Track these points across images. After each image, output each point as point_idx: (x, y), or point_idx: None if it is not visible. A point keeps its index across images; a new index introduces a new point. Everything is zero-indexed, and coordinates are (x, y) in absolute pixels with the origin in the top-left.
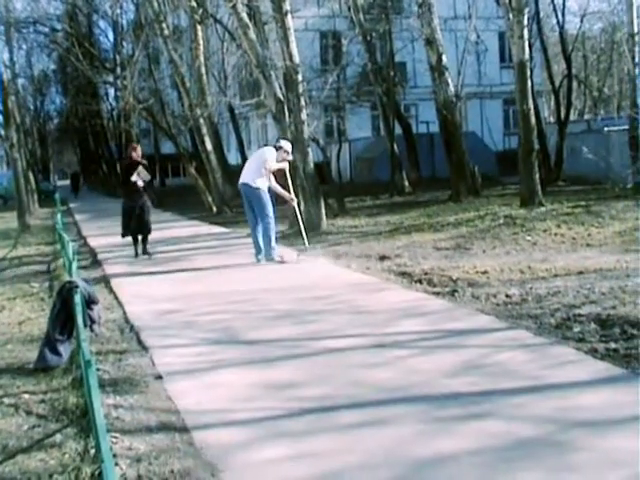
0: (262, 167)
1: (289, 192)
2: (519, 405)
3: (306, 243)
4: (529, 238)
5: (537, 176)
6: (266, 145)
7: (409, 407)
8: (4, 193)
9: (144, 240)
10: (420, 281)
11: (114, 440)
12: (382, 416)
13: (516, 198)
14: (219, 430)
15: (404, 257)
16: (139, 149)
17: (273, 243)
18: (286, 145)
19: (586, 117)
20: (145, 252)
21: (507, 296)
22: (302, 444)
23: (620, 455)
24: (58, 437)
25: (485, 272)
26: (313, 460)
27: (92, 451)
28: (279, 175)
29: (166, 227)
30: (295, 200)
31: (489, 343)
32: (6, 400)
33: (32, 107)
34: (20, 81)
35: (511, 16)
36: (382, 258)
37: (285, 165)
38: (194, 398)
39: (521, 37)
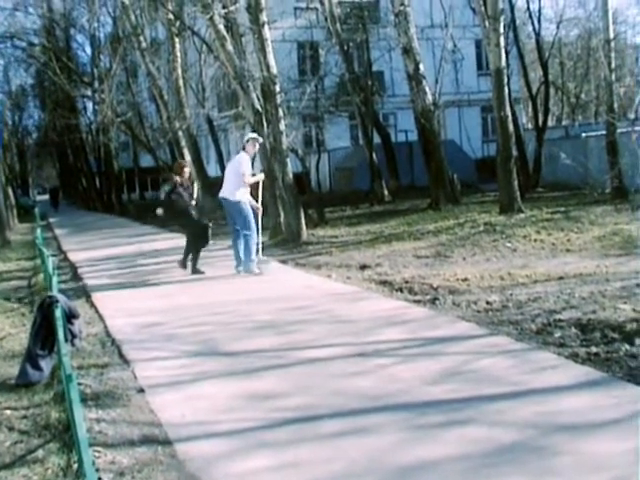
0: (240, 179)
1: (257, 200)
2: (500, 411)
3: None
4: (509, 245)
5: (516, 183)
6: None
7: (391, 415)
8: None
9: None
10: (401, 289)
11: (97, 454)
12: (364, 425)
13: (495, 205)
14: (202, 442)
15: (384, 266)
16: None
17: (253, 256)
18: (252, 135)
19: (564, 123)
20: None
21: (488, 303)
22: (285, 454)
23: (601, 458)
24: (41, 452)
25: (465, 279)
26: (296, 470)
27: (75, 466)
28: (252, 185)
29: (146, 240)
30: (260, 209)
31: (470, 350)
32: None
33: (10, 122)
34: None
35: (487, 24)
36: (363, 267)
37: (261, 177)
38: (176, 411)
39: (497, 45)
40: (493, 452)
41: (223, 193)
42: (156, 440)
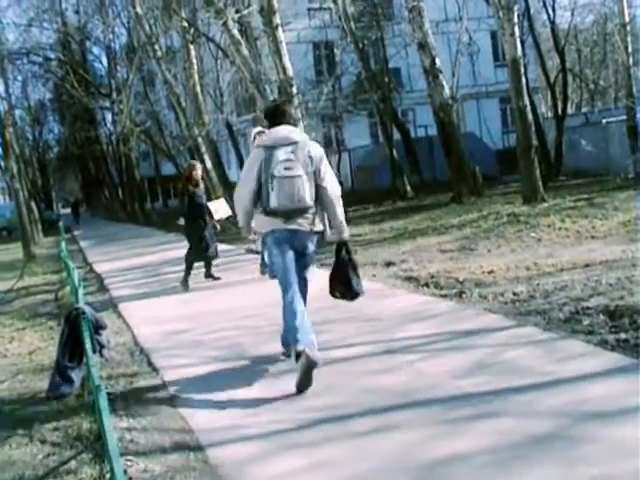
0: None
1: None
2: (530, 401)
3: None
4: (533, 235)
5: (537, 172)
6: None
7: (421, 411)
8: (8, 225)
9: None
10: (427, 285)
11: (129, 463)
12: (394, 421)
13: (518, 196)
14: (233, 446)
15: (410, 262)
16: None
17: None
18: (257, 129)
19: (583, 110)
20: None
21: (514, 294)
22: (316, 454)
23: (634, 445)
24: (73, 464)
25: (491, 271)
26: (328, 470)
27: (108, 475)
28: None
29: (171, 248)
30: None
31: (498, 342)
32: (20, 430)
33: (31, 137)
34: (17, 112)
35: (501, 14)
36: (388, 264)
37: None
38: (207, 416)
39: (512, 35)
40: (524, 443)
41: None
42: (187, 446)
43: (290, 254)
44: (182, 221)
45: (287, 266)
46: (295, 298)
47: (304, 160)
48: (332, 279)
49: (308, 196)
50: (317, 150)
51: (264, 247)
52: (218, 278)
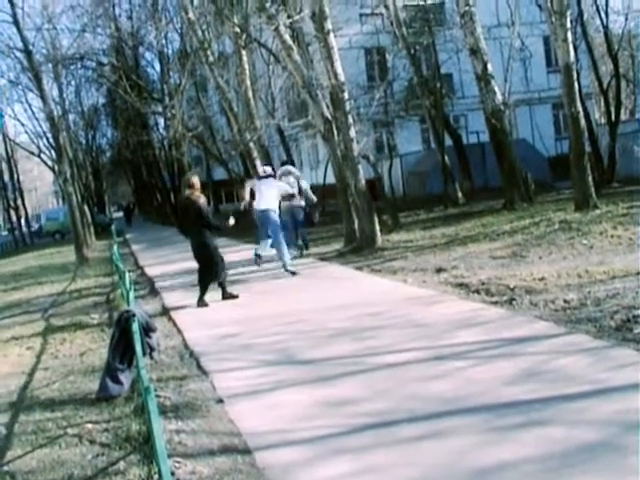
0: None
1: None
2: (580, 410)
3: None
4: (585, 242)
5: (590, 179)
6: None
7: (469, 417)
8: (61, 227)
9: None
10: (477, 291)
11: (177, 465)
12: (442, 428)
13: (570, 203)
14: (281, 450)
15: (460, 268)
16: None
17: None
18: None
19: (637, 116)
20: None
21: (565, 301)
22: (363, 460)
23: None
24: (122, 464)
25: (542, 278)
26: (375, 475)
27: (156, 477)
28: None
29: (225, 252)
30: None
31: (548, 349)
32: (70, 430)
33: (84, 141)
34: (71, 116)
35: (554, 19)
36: (438, 270)
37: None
38: (255, 420)
39: (565, 40)
40: (574, 452)
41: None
42: (235, 449)
43: None
44: (232, 221)
45: None
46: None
47: None
48: None
49: None
50: None
51: None
52: (236, 296)
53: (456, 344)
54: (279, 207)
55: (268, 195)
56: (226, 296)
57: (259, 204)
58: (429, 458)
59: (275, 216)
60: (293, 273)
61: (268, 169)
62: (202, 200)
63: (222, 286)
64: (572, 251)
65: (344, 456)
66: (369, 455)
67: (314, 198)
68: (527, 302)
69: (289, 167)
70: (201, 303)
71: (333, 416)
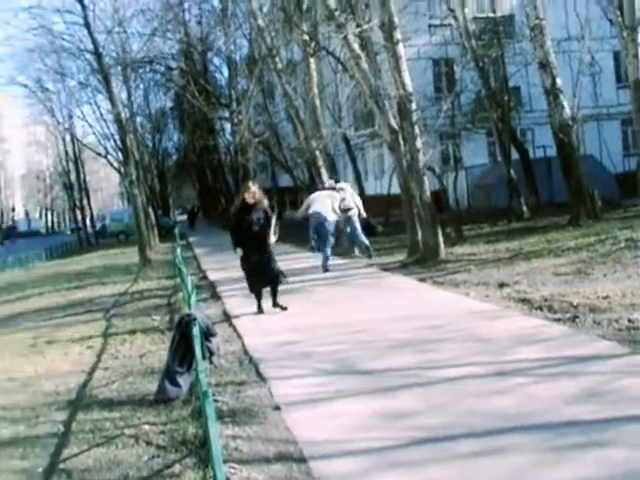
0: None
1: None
2: None
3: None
4: None
5: None
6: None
7: (528, 435)
8: (125, 229)
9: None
10: (540, 308)
11: (232, 470)
12: (500, 445)
13: (638, 220)
14: (336, 460)
15: (523, 284)
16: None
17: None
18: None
19: None
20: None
21: (630, 321)
22: (418, 474)
23: None
24: (177, 467)
25: (606, 297)
26: None
27: None
28: None
29: (284, 259)
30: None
31: (611, 369)
32: (127, 431)
33: (150, 144)
34: (138, 119)
35: (625, 34)
36: (501, 285)
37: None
38: (312, 428)
39: (636, 55)
40: (635, 475)
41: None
42: (291, 457)
43: None
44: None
45: None
46: None
47: None
48: None
49: None
50: None
51: None
52: (285, 308)
53: (518, 360)
54: (336, 217)
55: (326, 204)
56: (276, 305)
57: (317, 211)
58: (486, 475)
59: (328, 224)
60: (326, 270)
61: (331, 182)
62: (232, 210)
63: (273, 294)
64: (638, 270)
65: (400, 469)
66: (425, 469)
67: (364, 214)
68: (590, 320)
69: (342, 184)
70: (259, 310)
71: (391, 428)
